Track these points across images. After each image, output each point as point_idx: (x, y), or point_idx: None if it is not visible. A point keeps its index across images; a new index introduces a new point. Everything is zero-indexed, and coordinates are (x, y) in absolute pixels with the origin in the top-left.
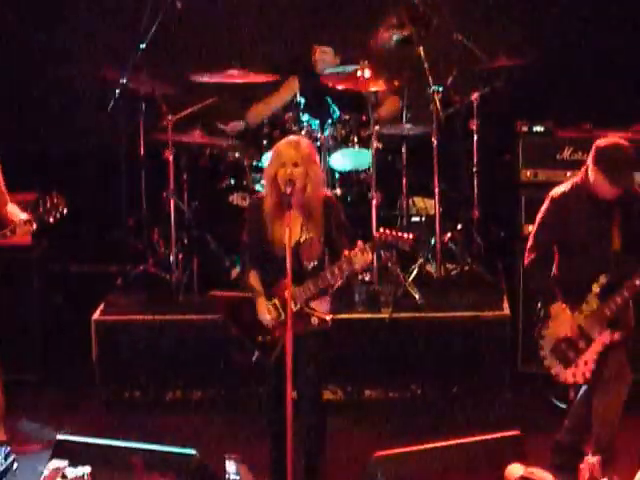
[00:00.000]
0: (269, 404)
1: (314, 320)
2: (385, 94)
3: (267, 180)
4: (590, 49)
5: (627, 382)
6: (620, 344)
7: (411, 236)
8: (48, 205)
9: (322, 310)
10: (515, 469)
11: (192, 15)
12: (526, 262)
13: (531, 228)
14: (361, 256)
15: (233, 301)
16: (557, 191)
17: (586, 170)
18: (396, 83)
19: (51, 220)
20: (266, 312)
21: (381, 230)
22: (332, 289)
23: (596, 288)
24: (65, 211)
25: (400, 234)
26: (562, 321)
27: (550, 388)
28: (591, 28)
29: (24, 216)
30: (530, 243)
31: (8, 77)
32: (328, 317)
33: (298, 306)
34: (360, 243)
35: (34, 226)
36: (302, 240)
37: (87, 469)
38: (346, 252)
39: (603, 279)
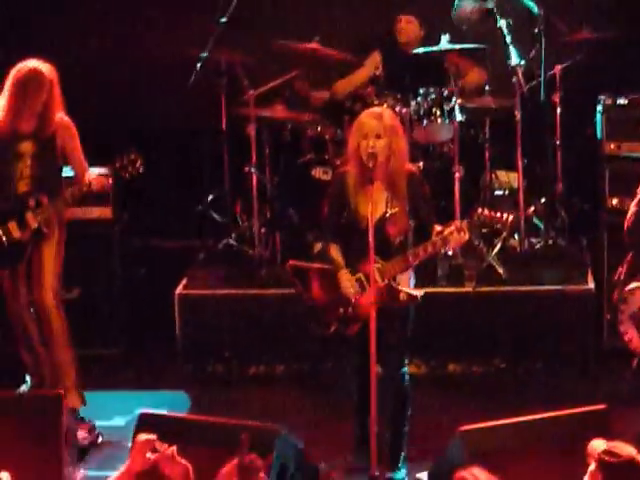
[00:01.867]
0: (354, 377)
1: (402, 296)
2: (468, 65)
3: (350, 152)
4: None
5: None
6: None
7: (510, 217)
8: (125, 161)
9: (408, 285)
10: (597, 444)
11: None
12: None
13: (615, 201)
14: (457, 235)
15: (312, 272)
16: None
17: None
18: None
19: (127, 176)
20: (349, 285)
21: (479, 210)
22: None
23: None
24: (142, 169)
25: (499, 215)
26: None
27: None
28: None
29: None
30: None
31: (93, 56)
32: (418, 293)
33: (386, 282)
34: (457, 222)
35: (109, 180)
36: (388, 215)
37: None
38: (440, 229)
39: None
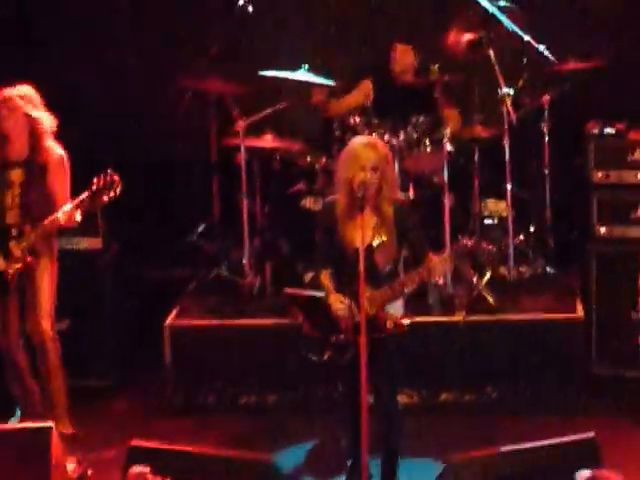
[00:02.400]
0: (345, 405)
1: (389, 324)
2: (446, 110)
3: (341, 182)
4: None
5: None
6: None
7: (491, 247)
8: (102, 183)
9: (397, 313)
10: (583, 473)
11: (263, 18)
12: None
13: (603, 230)
14: (440, 266)
15: (306, 300)
16: None
17: None
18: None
19: (105, 199)
20: (341, 307)
21: (460, 240)
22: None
23: None
24: (119, 190)
25: (479, 244)
26: None
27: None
28: None
29: (71, 203)
30: None
31: (83, 85)
32: (405, 321)
33: (374, 310)
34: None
35: (77, 214)
36: (375, 244)
37: None
38: (427, 259)
39: None
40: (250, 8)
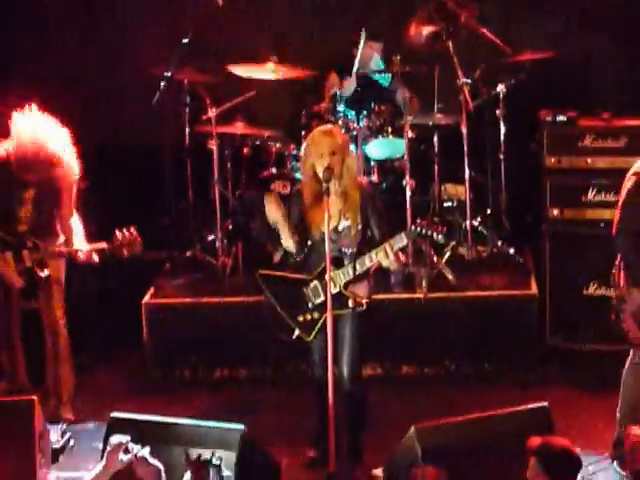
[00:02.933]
0: (312, 379)
1: (350, 303)
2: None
3: (306, 169)
4: (608, 44)
5: None
6: None
7: (444, 228)
8: (124, 239)
9: (360, 294)
10: (534, 440)
11: (233, 10)
12: (620, 247)
13: (555, 212)
14: (381, 253)
15: (277, 281)
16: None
17: None
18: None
19: (125, 254)
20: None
21: (417, 221)
22: (370, 273)
23: None
24: (139, 248)
25: (434, 225)
26: None
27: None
28: (607, 24)
29: (91, 247)
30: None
31: (63, 76)
32: (364, 300)
33: (337, 289)
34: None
35: (96, 258)
36: (341, 227)
37: (147, 449)
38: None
39: None
40: (220, 1)
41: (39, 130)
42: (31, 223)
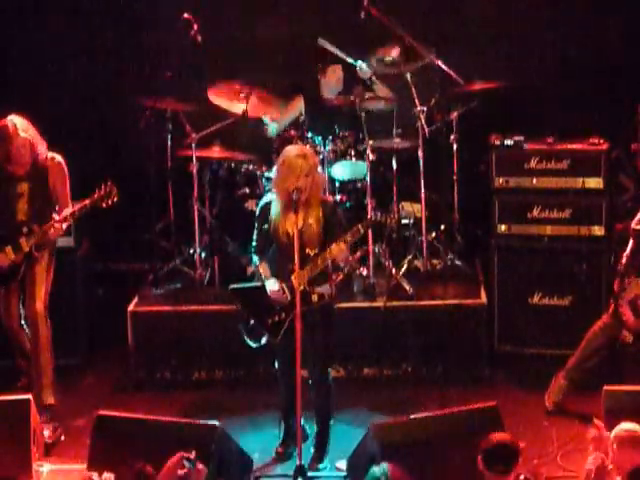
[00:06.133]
0: (280, 379)
1: (314, 297)
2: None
3: (279, 186)
4: (552, 74)
5: None
6: None
7: (395, 217)
8: (103, 192)
9: (324, 292)
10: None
11: (211, 46)
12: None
13: (504, 227)
14: (337, 247)
15: (248, 291)
16: None
17: None
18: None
19: (104, 206)
20: (276, 287)
21: (372, 213)
22: (330, 274)
23: None
24: (116, 199)
25: (386, 215)
26: None
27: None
28: (551, 56)
29: (77, 205)
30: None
31: (51, 97)
32: (325, 292)
33: (302, 287)
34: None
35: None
36: (303, 228)
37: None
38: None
39: None
40: (199, 37)
41: (14, 124)
42: (28, 214)
